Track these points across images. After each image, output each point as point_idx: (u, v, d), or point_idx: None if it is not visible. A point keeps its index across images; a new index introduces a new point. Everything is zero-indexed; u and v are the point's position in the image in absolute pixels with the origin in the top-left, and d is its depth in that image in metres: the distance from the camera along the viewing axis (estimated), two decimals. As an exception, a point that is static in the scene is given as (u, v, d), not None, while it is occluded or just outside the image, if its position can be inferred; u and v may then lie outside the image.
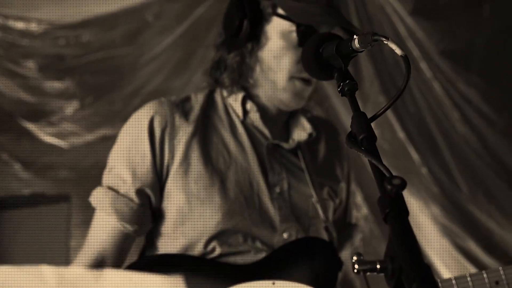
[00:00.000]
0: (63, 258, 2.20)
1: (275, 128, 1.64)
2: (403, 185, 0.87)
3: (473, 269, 2.83)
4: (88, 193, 2.94)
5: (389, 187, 0.87)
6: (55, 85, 2.93)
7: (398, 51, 1.05)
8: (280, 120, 1.67)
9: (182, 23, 3.02)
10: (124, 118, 3.04)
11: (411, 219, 2.74)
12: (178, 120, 1.56)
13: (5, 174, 2.97)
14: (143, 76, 3.02)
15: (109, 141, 3.05)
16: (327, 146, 1.72)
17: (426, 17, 3.12)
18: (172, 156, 1.53)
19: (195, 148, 1.54)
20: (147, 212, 1.55)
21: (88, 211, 2.93)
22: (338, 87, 1.13)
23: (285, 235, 1.54)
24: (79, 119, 2.98)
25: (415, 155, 2.95)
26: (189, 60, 3.09)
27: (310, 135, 1.67)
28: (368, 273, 0.90)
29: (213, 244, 1.51)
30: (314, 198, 1.59)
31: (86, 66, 2.94)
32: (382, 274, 0.87)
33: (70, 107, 2.96)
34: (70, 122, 2.98)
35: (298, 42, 1.52)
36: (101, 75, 2.97)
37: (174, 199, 1.53)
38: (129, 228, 1.54)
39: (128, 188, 1.54)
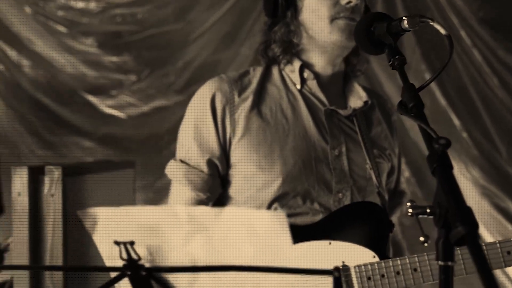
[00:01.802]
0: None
1: (331, 96, 1.77)
2: (447, 144, 1.04)
3: (511, 227, 2.95)
4: (145, 160, 3.16)
5: (436, 146, 1.05)
6: (113, 60, 3.15)
7: (442, 31, 1.21)
8: (336, 88, 1.80)
9: (229, -1, 3.18)
10: (177, 90, 3.27)
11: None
12: (237, 96, 1.71)
13: (70, 143, 3.22)
14: (193, 50, 3.20)
15: (163, 111, 3.28)
16: (378, 114, 1.84)
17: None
18: (233, 130, 1.69)
19: (254, 119, 1.70)
20: (216, 180, 1.73)
21: (147, 177, 3.15)
22: (389, 62, 1.30)
23: (340, 195, 1.69)
24: (136, 91, 3.20)
25: (456, 121, 3.06)
26: (235, 34, 3.25)
27: (365, 102, 1.78)
28: (420, 216, 1.06)
29: (275, 206, 1.67)
30: (368, 164, 1.72)
31: (142, 41, 3.14)
32: (431, 217, 1.04)
33: (128, 81, 3.18)
34: (128, 95, 3.20)
35: None
36: (155, 50, 3.16)
37: (238, 168, 1.70)
38: (202, 196, 1.73)
39: (198, 160, 1.72)
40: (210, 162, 1.72)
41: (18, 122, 3.25)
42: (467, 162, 3.02)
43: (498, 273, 2.92)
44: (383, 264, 1.57)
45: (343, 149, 1.71)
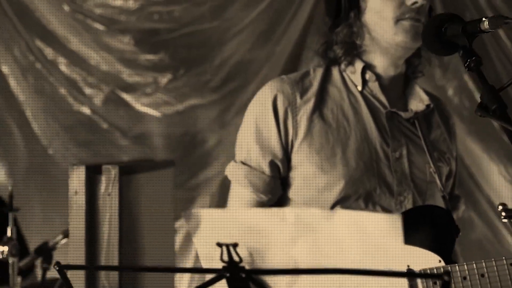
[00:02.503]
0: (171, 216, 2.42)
1: (392, 98, 1.75)
2: None
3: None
4: (180, 158, 3.15)
5: (526, 148, 1.04)
6: (149, 58, 3.14)
7: None
8: (396, 90, 1.78)
9: (265, -2, 3.17)
10: (212, 89, 3.26)
11: (491, 184, 2.89)
12: (299, 98, 1.70)
13: (106, 141, 3.22)
14: (229, 49, 3.19)
15: (198, 110, 3.28)
16: (437, 117, 1.82)
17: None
18: (295, 132, 1.68)
19: (316, 122, 1.69)
20: (277, 182, 1.72)
21: (181, 175, 3.14)
22: (465, 63, 1.28)
23: (401, 198, 1.67)
24: (171, 89, 3.19)
25: (495, 122, 3.03)
26: (271, 33, 3.24)
27: (428, 106, 1.77)
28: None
29: (337, 209, 1.66)
30: (432, 168, 1.71)
31: (178, 39, 3.14)
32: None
33: (164, 79, 3.17)
34: (163, 93, 3.19)
35: None
36: (192, 48, 3.16)
37: (300, 170, 1.69)
38: (264, 197, 1.72)
39: (260, 161, 1.71)
40: (272, 164, 1.71)
41: (52, 119, 3.26)
42: (506, 163, 2.99)
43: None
44: (449, 269, 1.56)
45: (404, 151, 1.70)
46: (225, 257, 0.92)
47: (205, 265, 0.93)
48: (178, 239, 3.07)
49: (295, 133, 1.69)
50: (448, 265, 1.57)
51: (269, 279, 0.93)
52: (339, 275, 0.88)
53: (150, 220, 2.08)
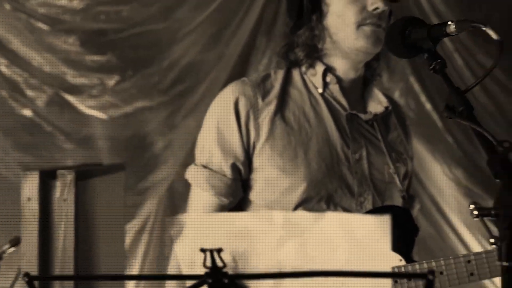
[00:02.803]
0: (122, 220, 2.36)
1: (351, 100, 1.78)
2: (511, 147, 1.06)
3: (493, 228, 3.03)
4: (129, 162, 3.08)
5: (500, 149, 1.06)
6: (96, 59, 3.06)
7: (494, 36, 1.22)
8: (356, 93, 1.81)
9: (216, -1, 3.15)
10: (161, 91, 3.20)
11: (435, 183, 2.98)
12: (260, 100, 1.70)
13: (50, 145, 3.10)
14: (178, 50, 3.15)
15: (147, 112, 3.21)
16: (394, 119, 1.86)
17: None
18: (257, 134, 1.69)
19: (278, 124, 1.69)
20: (238, 184, 1.73)
21: (129, 179, 3.07)
22: (430, 66, 1.31)
23: (361, 199, 1.69)
24: (119, 91, 3.11)
25: (439, 123, 3.13)
26: (221, 34, 3.22)
27: (386, 108, 1.81)
28: (484, 218, 1.07)
29: (299, 210, 1.66)
30: (392, 169, 1.74)
31: (126, 40, 3.06)
32: (494, 219, 1.05)
33: (111, 81, 3.09)
34: (110, 95, 3.11)
35: None
36: (140, 49, 3.10)
37: (262, 172, 1.69)
38: (225, 200, 1.72)
39: (221, 164, 1.71)
40: (233, 166, 1.70)
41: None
42: (450, 163, 3.09)
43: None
44: (409, 267, 1.59)
45: (364, 153, 1.73)
46: (208, 263, 0.90)
47: (186, 271, 0.90)
48: (127, 241, 3.01)
49: (257, 135, 1.69)
50: (409, 264, 1.60)
51: (252, 284, 0.91)
52: (324, 278, 0.88)
53: (105, 225, 2.02)
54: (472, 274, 1.57)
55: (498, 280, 1.68)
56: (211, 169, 1.72)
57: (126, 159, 3.08)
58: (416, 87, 3.14)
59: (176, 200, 3.15)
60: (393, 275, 0.83)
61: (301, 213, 0.87)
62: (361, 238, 0.83)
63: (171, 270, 1.75)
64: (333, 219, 0.85)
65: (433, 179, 3.16)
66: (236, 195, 1.73)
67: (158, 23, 3.08)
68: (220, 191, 1.70)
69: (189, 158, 3.16)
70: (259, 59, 3.28)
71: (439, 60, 1.32)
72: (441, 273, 1.57)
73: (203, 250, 0.88)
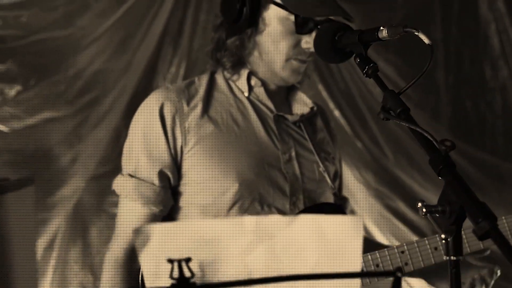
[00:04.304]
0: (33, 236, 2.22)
1: (278, 102, 1.80)
2: (453, 145, 1.11)
3: (401, 226, 3.18)
4: (34, 177, 2.90)
5: (443, 147, 1.10)
6: (-5, 67, 2.86)
7: (426, 40, 1.27)
8: (281, 95, 1.83)
9: (122, 5, 3.05)
10: (67, 100, 3.04)
11: (347, 187, 3.09)
12: (185, 105, 1.68)
13: None
14: (84, 58, 3.01)
15: (52, 123, 3.04)
16: (320, 121, 1.90)
17: (346, 0, 3.39)
18: (185, 138, 1.66)
19: (206, 126, 1.67)
20: (168, 192, 1.69)
21: (36, 193, 2.89)
22: (363, 70, 1.34)
23: (294, 199, 1.71)
24: (21, 102, 2.93)
25: (347, 127, 3.24)
26: (128, 43, 3.13)
27: (312, 109, 1.83)
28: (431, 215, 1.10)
29: (233, 213, 1.64)
30: (322, 167, 1.77)
31: (27, 47, 2.88)
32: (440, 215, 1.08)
33: (12, 90, 2.90)
34: (11, 106, 2.92)
35: (296, 30, 1.66)
36: (43, 57, 2.93)
37: (191, 177, 1.67)
38: (155, 209, 1.67)
39: (149, 172, 1.66)
40: (161, 174, 1.67)
41: None
42: (360, 167, 3.20)
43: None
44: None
45: (293, 153, 1.76)
46: (176, 274, 0.85)
47: (150, 284, 0.85)
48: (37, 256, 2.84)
49: (184, 140, 1.66)
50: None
51: (220, 293, 0.88)
52: (293, 282, 0.86)
53: (16, 242, 1.91)
54: (406, 264, 1.63)
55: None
56: (138, 178, 1.67)
57: (32, 174, 2.90)
58: (324, 94, 3.22)
59: (86, 214, 3.01)
60: (361, 275, 0.83)
61: (274, 217, 0.85)
62: (332, 240, 0.83)
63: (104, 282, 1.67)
64: (305, 221, 0.84)
65: (345, 183, 3.25)
66: (167, 203, 1.69)
67: (61, 29, 2.93)
68: (149, 200, 1.66)
69: (98, 170, 3.05)
70: (167, 68, 3.23)
71: (371, 64, 1.36)
72: (377, 265, 1.62)
73: (170, 261, 0.83)
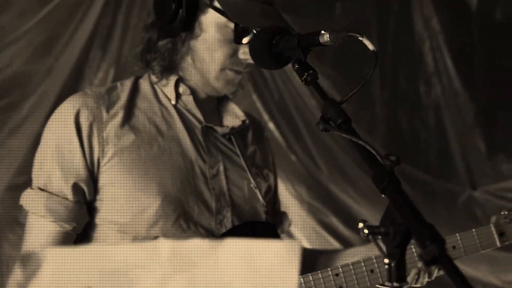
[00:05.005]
0: None
1: (206, 113, 1.67)
2: (398, 160, 1.01)
3: (333, 241, 3.12)
4: None
5: (388, 162, 1.00)
6: None
7: (370, 46, 1.18)
8: (211, 106, 1.70)
9: (46, 6, 2.87)
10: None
11: (280, 201, 2.94)
12: (105, 112, 1.53)
13: None
14: (3, 60, 2.81)
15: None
16: (251, 134, 1.78)
17: (286, 13, 3.33)
18: (102, 149, 1.51)
19: (127, 137, 1.53)
20: (82, 207, 1.53)
21: None
22: (301, 77, 1.23)
23: (220, 217, 1.58)
24: None
25: (282, 141, 3.15)
26: (51, 45, 2.94)
27: (243, 122, 1.71)
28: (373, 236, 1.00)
29: (156, 232, 1.50)
30: (253, 183, 1.65)
31: None
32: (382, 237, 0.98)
33: None
34: None
35: (234, 39, 1.54)
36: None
37: (108, 192, 1.52)
38: (67, 227, 1.52)
39: (61, 186, 1.51)
40: (75, 187, 1.51)
41: None
42: (293, 180, 3.12)
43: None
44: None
45: (221, 168, 1.64)
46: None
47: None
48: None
49: (102, 151, 1.51)
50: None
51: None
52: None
53: None
54: (341, 287, 1.55)
55: None
56: (50, 192, 1.51)
57: None
58: (259, 105, 3.13)
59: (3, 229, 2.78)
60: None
61: (194, 242, 0.72)
62: (264, 266, 0.71)
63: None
64: (232, 247, 0.72)
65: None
66: (80, 219, 1.53)
67: (-23, 28, 2.71)
68: (61, 217, 1.50)
69: (15, 181, 2.82)
70: (94, 73, 3.05)
71: (310, 71, 1.26)
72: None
73: (71, 295, 0.69)
